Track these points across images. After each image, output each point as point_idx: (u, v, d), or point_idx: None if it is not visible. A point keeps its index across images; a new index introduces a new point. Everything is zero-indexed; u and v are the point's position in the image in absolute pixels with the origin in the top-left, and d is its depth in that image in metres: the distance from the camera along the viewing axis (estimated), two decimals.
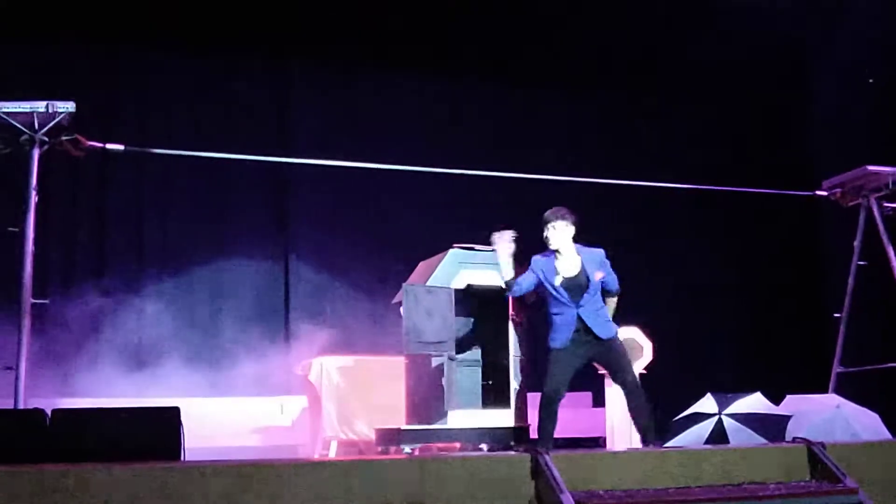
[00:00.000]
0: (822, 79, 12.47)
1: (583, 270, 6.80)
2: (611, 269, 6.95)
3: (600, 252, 6.95)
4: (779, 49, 11.56)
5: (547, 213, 6.89)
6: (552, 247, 6.85)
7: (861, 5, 11.48)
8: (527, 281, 6.89)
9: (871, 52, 11.40)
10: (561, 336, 6.75)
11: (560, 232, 6.83)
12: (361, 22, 11.00)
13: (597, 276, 6.80)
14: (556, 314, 6.79)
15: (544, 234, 6.86)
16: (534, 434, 8.86)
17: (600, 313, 6.80)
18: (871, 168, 9.13)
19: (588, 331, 6.71)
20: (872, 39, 11.37)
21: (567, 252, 6.85)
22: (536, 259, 6.90)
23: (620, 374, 6.79)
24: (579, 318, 6.71)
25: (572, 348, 6.74)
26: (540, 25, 11.40)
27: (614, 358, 6.81)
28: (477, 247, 7.51)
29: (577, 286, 6.76)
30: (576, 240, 6.85)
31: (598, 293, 6.84)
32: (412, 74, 12.05)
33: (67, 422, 5.15)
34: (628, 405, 6.82)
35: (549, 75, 12.11)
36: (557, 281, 6.77)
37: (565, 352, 6.74)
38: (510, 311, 7.66)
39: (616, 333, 6.86)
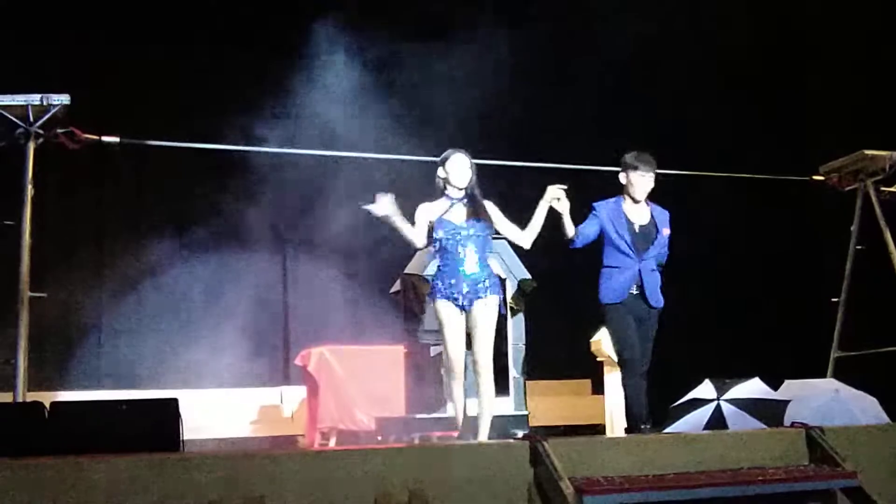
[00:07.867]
0: (818, 61, 12.42)
1: (653, 221, 6.40)
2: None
3: (667, 212, 6.55)
4: (777, 31, 11.52)
5: (631, 159, 6.40)
6: (638, 197, 6.37)
7: None
8: (589, 228, 6.34)
9: (867, 36, 11.36)
10: (616, 289, 6.23)
11: (648, 182, 6.37)
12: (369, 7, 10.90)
13: (665, 231, 6.39)
14: (613, 267, 6.29)
15: (626, 179, 6.37)
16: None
17: (658, 278, 6.36)
18: (868, 152, 9.11)
19: (642, 295, 6.26)
20: (870, 26, 11.33)
21: (641, 201, 6.41)
22: (601, 205, 6.41)
23: (643, 352, 6.37)
24: (639, 274, 6.24)
25: (625, 309, 6.25)
26: None
27: (648, 334, 6.38)
28: None
29: (645, 238, 6.31)
30: None
31: (656, 256, 6.40)
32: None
33: (66, 414, 5.13)
34: (630, 388, 6.39)
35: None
36: (626, 228, 6.27)
37: (622, 307, 6.24)
38: (507, 299, 7.64)
39: (662, 307, 6.42)
